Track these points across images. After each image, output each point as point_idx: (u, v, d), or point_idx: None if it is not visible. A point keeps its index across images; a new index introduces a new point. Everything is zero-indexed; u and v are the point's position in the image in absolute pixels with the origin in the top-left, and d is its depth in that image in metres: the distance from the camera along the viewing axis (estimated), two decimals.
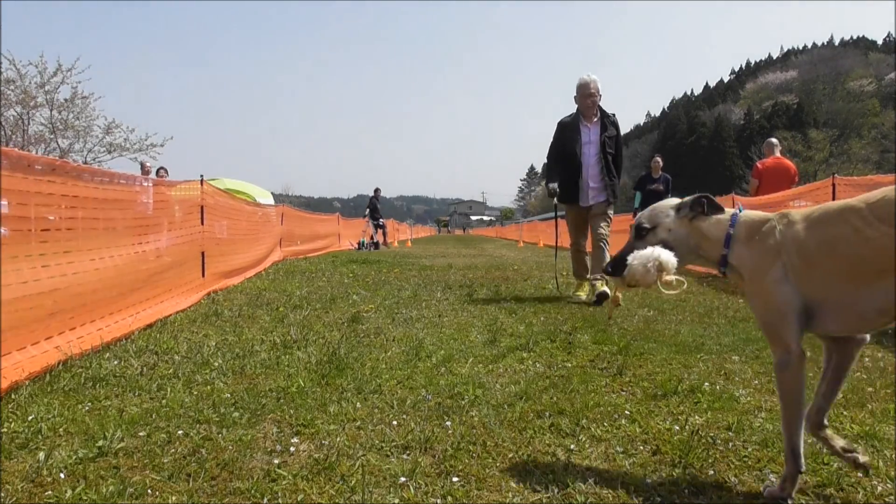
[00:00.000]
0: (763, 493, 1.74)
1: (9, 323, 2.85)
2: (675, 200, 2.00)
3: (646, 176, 11.66)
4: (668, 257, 1.82)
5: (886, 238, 1.56)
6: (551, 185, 6.18)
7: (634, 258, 1.84)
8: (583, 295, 5.99)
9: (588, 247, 6.18)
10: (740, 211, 1.91)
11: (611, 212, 6.11)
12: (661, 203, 2.00)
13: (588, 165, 5.94)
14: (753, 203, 8.32)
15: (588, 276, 6.09)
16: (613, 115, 6.09)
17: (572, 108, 6.20)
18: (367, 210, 20.94)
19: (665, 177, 11.38)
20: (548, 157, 6.30)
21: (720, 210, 1.91)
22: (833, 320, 1.69)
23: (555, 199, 6.20)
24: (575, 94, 6.07)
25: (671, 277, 1.82)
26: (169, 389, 2.73)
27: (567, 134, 6.05)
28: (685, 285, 1.84)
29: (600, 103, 6.06)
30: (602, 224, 6.03)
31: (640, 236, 1.95)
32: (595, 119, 6.02)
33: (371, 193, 21.37)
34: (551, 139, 6.27)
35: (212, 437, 2.16)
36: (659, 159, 11.75)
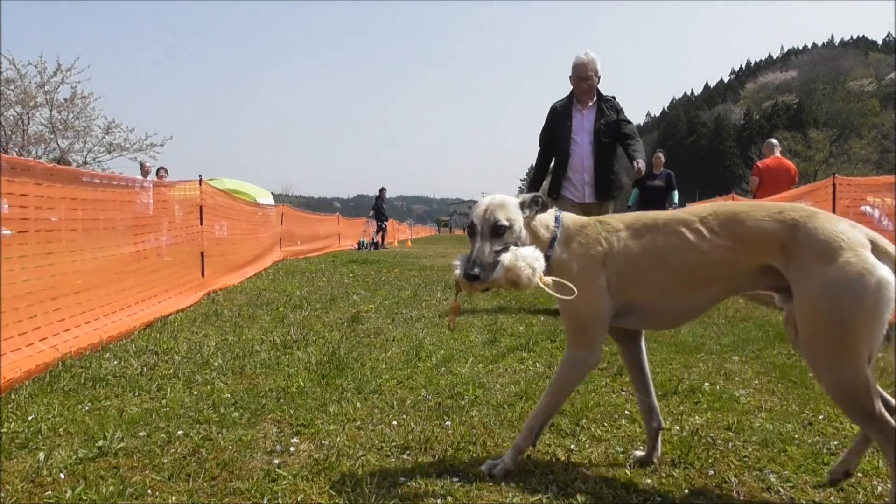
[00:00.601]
0: (485, 471, 1.86)
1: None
2: (515, 198, 1.89)
3: (647, 172, 11.17)
4: (542, 258, 1.76)
5: (720, 250, 1.70)
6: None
7: (518, 258, 1.71)
8: None
9: None
10: (558, 212, 1.93)
11: (609, 212, 5.20)
12: (507, 199, 1.87)
13: (580, 156, 5.16)
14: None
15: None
16: (613, 97, 5.30)
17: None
18: (372, 212, 20.78)
19: (667, 173, 10.71)
20: (539, 146, 5.53)
21: (545, 209, 1.90)
22: (654, 320, 1.88)
23: None
24: (570, 74, 5.27)
25: (548, 279, 1.74)
26: (169, 389, 2.73)
27: (558, 120, 5.30)
28: (574, 290, 1.72)
29: (599, 86, 5.27)
30: None
31: (498, 234, 1.79)
32: (590, 104, 5.23)
33: (376, 193, 21.18)
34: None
35: (212, 437, 2.16)
36: (661, 154, 11.00)
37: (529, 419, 1.89)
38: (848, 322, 1.48)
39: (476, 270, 1.74)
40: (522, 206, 1.86)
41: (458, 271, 1.79)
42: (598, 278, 1.79)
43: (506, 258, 1.72)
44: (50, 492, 1.74)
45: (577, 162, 5.19)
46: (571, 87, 5.30)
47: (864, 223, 5.74)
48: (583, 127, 5.21)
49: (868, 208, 5.63)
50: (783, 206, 1.68)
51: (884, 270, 1.50)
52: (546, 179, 5.69)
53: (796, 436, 2.17)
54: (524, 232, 1.84)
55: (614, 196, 5.27)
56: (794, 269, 1.58)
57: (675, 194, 10.47)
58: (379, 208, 20.47)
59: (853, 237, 1.54)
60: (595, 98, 5.24)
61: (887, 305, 1.49)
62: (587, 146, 5.16)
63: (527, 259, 1.71)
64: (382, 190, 20.97)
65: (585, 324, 1.81)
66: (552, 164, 5.42)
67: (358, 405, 2.52)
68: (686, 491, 1.76)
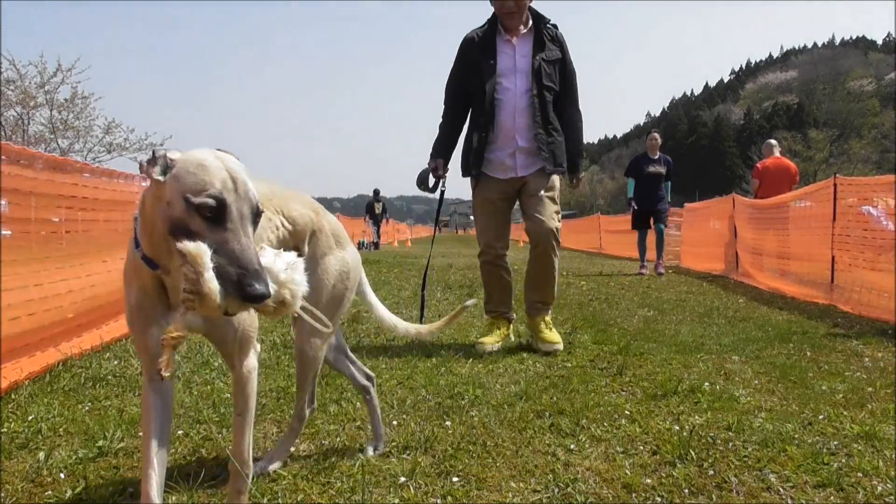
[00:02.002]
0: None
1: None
2: None
3: (641, 157, 9.04)
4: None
5: (282, 230, 1.69)
6: (429, 166, 3.62)
7: (292, 267, 1.22)
8: (491, 342, 3.56)
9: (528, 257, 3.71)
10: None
11: (555, 189, 3.59)
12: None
13: (510, 111, 3.45)
14: (756, 204, 8.32)
15: (504, 310, 3.78)
16: (555, 25, 3.61)
17: None
18: (367, 215, 20.90)
19: (665, 158, 8.94)
20: (444, 102, 3.70)
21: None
22: None
23: (433, 186, 3.67)
24: None
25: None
26: None
27: (473, 57, 3.52)
28: (329, 325, 1.49)
29: (533, 4, 3.56)
30: (541, 209, 3.50)
31: (256, 224, 1.21)
32: (523, 30, 3.53)
33: (371, 194, 21.44)
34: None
35: (212, 437, 2.16)
36: (657, 135, 9.13)
37: (241, 452, 1.49)
38: (347, 294, 1.87)
39: (262, 287, 1.10)
40: None
41: (213, 283, 1.07)
42: None
43: (277, 265, 1.19)
44: (50, 492, 1.74)
45: (506, 119, 3.46)
46: (493, 10, 3.57)
47: (864, 223, 5.74)
48: (514, 65, 3.47)
49: (869, 208, 5.64)
50: (306, 197, 1.88)
51: None
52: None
53: (796, 436, 2.17)
54: None
55: (563, 168, 3.60)
56: (317, 250, 1.81)
57: (669, 186, 8.99)
58: (371, 209, 20.63)
59: (344, 231, 1.92)
60: (530, 23, 3.55)
61: None
62: (522, 94, 3.44)
63: (297, 268, 1.23)
64: (376, 192, 21.23)
65: (253, 325, 1.50)
66: (466, 127, 3.68)
67: (358, 405, 2.52)
68: (686, 491, 1.76)
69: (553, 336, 3.56)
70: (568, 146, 3.60)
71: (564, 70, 3.57)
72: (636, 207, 8.94)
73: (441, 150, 3.63)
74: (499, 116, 3.49)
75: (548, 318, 3.64)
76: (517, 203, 3.73)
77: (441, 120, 3.71)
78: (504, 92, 3.47)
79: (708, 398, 2.61)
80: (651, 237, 9.29)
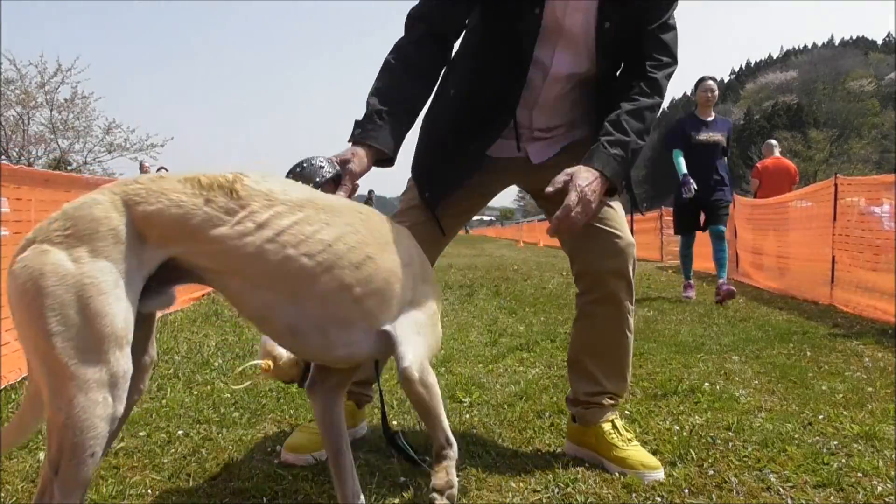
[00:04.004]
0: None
1: None
2: None
3: (687, 120, 5.93)
4: None
5: None
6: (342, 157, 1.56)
7: None
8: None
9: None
10: None
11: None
12: None
13: (529, 103, 1.79)
14: (756, 204, 8.33)
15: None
16: None
17: None
18: None
19: (723, 121, 5.97)
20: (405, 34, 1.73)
21: None
22: None
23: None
24: None
25: None
26: (169, 389, 2.73)
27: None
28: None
29: None
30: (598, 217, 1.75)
31: None
32: None
33: (377, 192, 21.53)
34: None
35: (212, 437, 2.16)
36: (712, 83, 5.88)
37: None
38: None
39: None
40: None
41: None
42: None
43: None
44: None
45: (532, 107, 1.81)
46: None
47: (866, 223, 5.72)
48: (560, 22, 1.68)
49: (874, 208, 5.63)
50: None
51: None
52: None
53: (796, 436, 2.17)
54: None
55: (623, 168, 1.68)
56: None
57: (726, 164, 5.91)
58: None
59: None
60: None
61: None
62: (558, 80, 1.76)
63: None
64: (371, 192, 21.34)
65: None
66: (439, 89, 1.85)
67: None
68: (686, 491, 1.76)
69: (640, 455, 1.88)
70: (619, 124, 1.68)
71: (644, 36, 1.72)
72: (687, 196, 5.59)
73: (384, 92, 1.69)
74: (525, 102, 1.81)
75: (618, 421, 1.96)
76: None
77: (384, 64, 1.75)
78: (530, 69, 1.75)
79: (708, 398, 2.61)
80: (699, 244, 6.41)
